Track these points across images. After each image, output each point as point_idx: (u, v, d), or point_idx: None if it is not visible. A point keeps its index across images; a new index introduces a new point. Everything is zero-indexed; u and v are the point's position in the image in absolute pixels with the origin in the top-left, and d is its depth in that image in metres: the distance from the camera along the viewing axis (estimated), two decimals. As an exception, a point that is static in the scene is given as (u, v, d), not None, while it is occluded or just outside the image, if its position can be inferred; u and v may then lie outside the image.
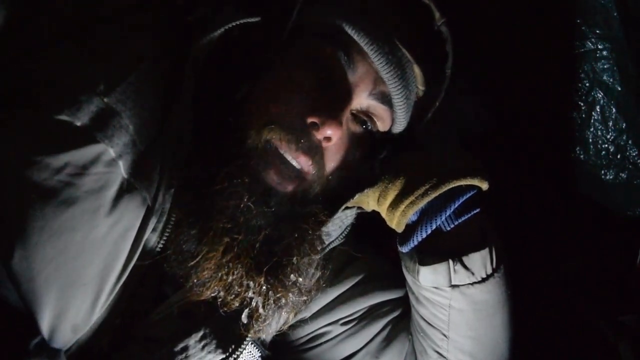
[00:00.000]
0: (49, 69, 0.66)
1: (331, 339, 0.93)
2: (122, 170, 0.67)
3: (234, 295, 0.73)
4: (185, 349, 0.74)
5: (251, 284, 0.72)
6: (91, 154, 0.65)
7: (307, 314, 0.92)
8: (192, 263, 0.71)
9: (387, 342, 0.92)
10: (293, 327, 0.90)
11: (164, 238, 0.74)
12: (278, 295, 0.75)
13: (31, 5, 0.66)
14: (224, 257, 0.70)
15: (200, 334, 0.76)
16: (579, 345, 1.06)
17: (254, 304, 0.74)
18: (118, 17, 0.72)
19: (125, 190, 0.68)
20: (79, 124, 0.65)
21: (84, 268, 0.66)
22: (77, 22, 0.69)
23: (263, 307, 0.75)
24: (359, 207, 0.89)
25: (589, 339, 1.05)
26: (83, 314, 0.68)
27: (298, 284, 0.77)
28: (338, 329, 0.93)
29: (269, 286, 0.73)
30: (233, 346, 0.79)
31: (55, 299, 0.64)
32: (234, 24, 0.73)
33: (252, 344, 0.84)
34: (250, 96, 0.76)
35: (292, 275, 0.76)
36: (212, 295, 0.73)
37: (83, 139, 0.65)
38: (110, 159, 0.67)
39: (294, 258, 0.75)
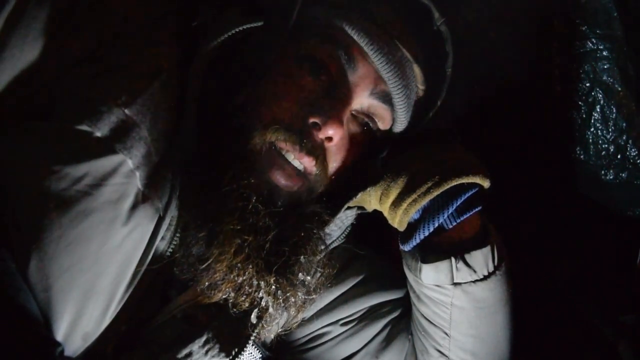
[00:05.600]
0: (71, 83, 0.67)
1: (331, 339, 0.93)
2: (138, 181, 0.68)
3: (244, 296, 0.73)
4: (189, 354, 0.75)
5: (262, 283, 0.72)
6: (110, 164, 0.66)
7: (308, 313, 0.92)
8: (204, 266, 0.71)
9: (387, 342, 0.92)
10: (296, 326, 0.90)
11: (173, 244, 0.74)
12: (287, 295, 0.75)
13: (62, 33, 0.67)
14: (234, 258, 0.70)
15: (204, 338, 0.76)
16: (579, 345, 1.06)
17: (263, 303, 0.75)
18: (138, 31, 0.73)
19: (140, 200, 0.69)
20: (99, 134, 0.65)
21: (98, 278, 0.66)
22: (100, 41, 0.70)
23: (272, 306, 0.75)
24: (359, 207, 0.90)
25: (589, 339, 1.06)
26: (94, 322, 0.68)
27: (305, 283, 0.77)
28: (338, 329, 0.93)
29: (278, 285, 0.73)
30: (236, 349, 0.79)
31: (70, 308, 0.64)
32: (237, 29, 0.74)
33: (253, 345, 0.84)
34: (252, 98, 0.76)
35: (299, 274, 0.76)
36: (223, 297, 0.73)
37: (103, 149, 0.66)
38: (129, 170, 0.67)
39: (301, 257, 0.75)
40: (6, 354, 0.57)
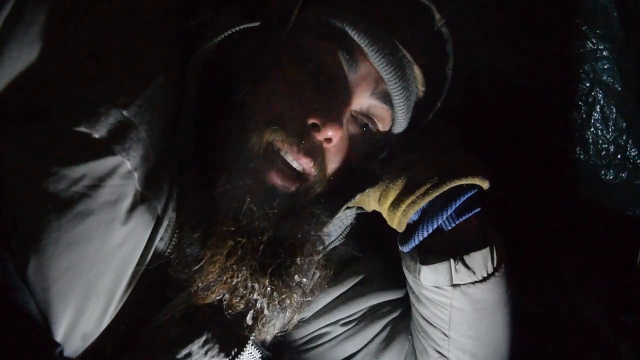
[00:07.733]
0: (70, 84, 0.67)
1: (331, 339, 0.93)
2: (136, 182, 0.68)
3: (238, 298, 0.73)
4: (189, 355, 0.75)
5: (256, 285, 0.72)
6: (108, 166, 0.66)
7: (307, 314, 0.92)
8: (197, 267, 0.71)
9: (387, 342, 0.92)
10: (293, 327, 0.90)
11: (172, 244, 0.74)
12: (282, 297, 0.75)
13: (61, 35, 0.67)
14: (228, 260, 0.70)
15: (203, 339, 0.76)
16: (579, 345, 1.06)
17: (258, 305, 0.74)
18: (136, 31, 0.73)
19: (138, 201, 0.69)
20: (97, 136, 0.66)
21: (98, 278, 0.66)
22: (99, 43, 0.70)
23: (268, 308, 0.75)
24: (358, 207, 0.89)
25: (589, 339, 1.06)
26: (94, 322, 0.68)
27: (302, 285, 0.77)
28: (338, 330, 0.93)
29: (273, 287, 0.73)
30: (235, 349, 0.79)
31: (70, 309, 0.65)
32: (234, 29, 0.74)
33: (252, 345, 0.84)
34: (250, 98, 0.76)
35: (295, 276, 0.75)
36: (217, 298, 0.73)
37: (100, 151, 0.66)
38: (127, 171, 0.67)
39: (298, 259, 0.75)
40: (6, 354, 0.57)
